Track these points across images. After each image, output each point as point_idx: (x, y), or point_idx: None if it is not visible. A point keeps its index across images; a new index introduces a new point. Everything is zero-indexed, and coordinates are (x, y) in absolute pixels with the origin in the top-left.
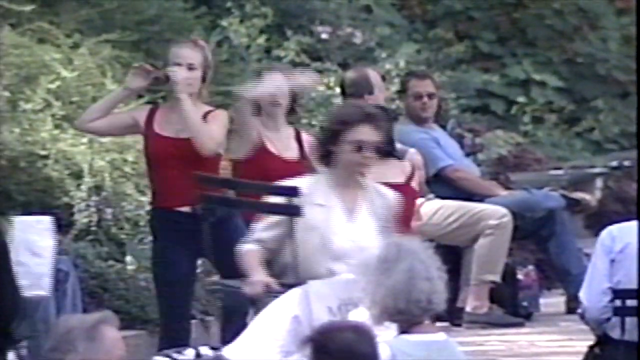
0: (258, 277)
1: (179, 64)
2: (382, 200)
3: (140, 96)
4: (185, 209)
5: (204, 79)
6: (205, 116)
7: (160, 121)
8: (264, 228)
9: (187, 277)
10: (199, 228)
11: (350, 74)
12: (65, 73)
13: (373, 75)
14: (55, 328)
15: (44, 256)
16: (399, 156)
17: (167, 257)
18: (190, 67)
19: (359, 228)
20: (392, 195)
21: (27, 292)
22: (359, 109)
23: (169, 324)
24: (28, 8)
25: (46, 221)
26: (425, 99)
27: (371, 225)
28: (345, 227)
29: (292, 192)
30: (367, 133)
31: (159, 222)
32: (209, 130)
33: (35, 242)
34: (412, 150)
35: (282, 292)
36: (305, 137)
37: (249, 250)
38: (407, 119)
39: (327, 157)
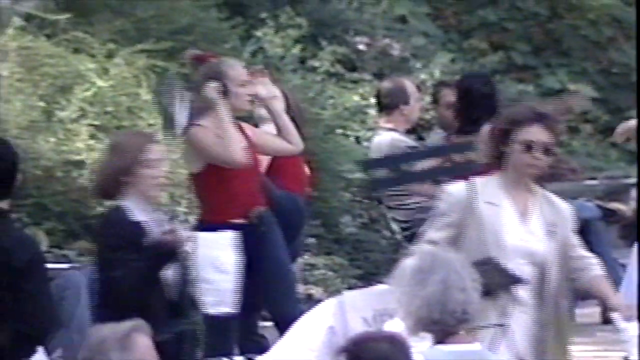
0: None
1: (243, 84)
2: (551, 208)
3: None
4: (240, 220)
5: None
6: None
7: None
8: (436, 229)
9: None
10: (250, 239)
11: (386, 84)
12: (100, 83)
13: (409, 85)
14: (88, 338)
15: (228, 272)
16: None
17: None
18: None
19: (530, 230)
20: (562, 205)
21: (213, 310)
22: (530, 109)
23: (215, 334)
24: (63, 17)
25: (228, 236)
26: None
27: (541, 230)
28: (517, 227)
29: (467, 148)
30: (537, 133)
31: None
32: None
33: (218, 257)
34: None
35: None
36: (247, 127)
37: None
38: (440, 128)
39: (498, 158)
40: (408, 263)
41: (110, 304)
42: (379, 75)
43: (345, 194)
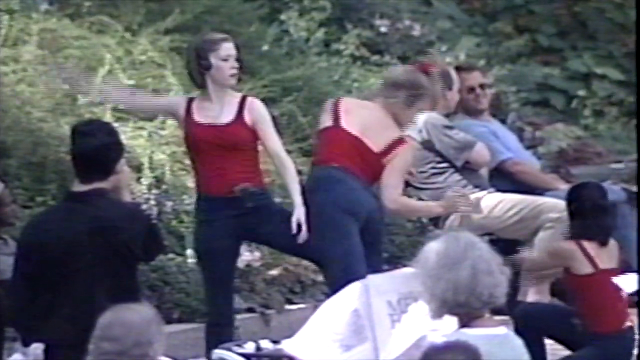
0: None
1: (225, 59)
2: None
3: None
4: (225, 194)
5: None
6: (241, 102)
7: (198, 109)
8: None
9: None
10: (240, 212)
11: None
12: (124, 65)
13: (452, 71)
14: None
15: None
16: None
17: (211, 243)
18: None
19: None
20: None
21: None
22: None
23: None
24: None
25: None
26: (479, 91)
27: None
28: None
29: None
30: None
31: (203, 208)
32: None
33: None
34: (480, 144)
35: None
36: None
37: None
38: (462, 113)
39: None
40: (433, 247)
41: None
42: (404, 59)
43: None
